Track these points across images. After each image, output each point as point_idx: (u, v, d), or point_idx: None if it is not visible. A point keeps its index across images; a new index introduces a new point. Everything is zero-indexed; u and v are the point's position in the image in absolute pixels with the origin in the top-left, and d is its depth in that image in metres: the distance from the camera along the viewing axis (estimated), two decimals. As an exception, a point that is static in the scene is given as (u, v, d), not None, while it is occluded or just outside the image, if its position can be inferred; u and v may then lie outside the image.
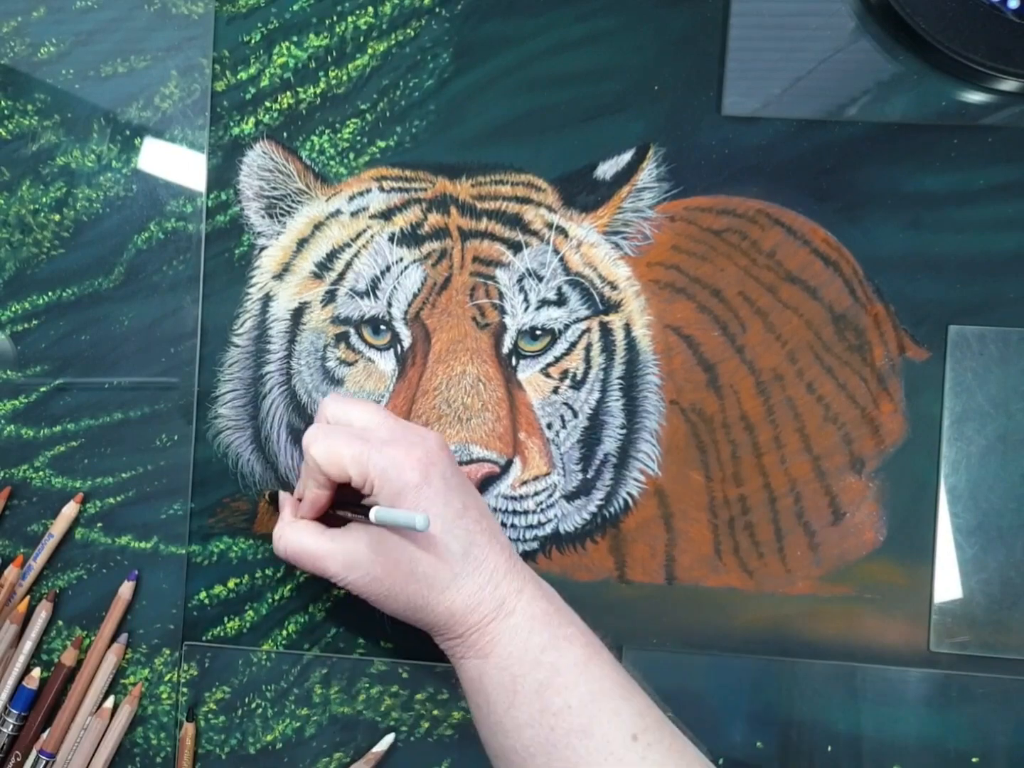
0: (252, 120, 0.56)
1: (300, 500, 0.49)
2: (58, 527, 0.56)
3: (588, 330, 0.54)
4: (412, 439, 0.45)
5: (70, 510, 0.56)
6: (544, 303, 0.54)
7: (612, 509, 0.54)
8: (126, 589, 0.56)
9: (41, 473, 0.57)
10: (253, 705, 0.55)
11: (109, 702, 0.55)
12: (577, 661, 0.43)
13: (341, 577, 0.46)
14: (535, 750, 0.43)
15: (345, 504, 0.47)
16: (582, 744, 0.42)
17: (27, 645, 0.55)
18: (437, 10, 0.56)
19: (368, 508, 0.44)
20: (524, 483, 0.54)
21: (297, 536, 0.47)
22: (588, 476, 0.54)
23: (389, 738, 0.54)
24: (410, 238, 0.55)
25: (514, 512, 0.54)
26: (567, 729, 0.42)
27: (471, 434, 0.53)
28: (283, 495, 0.51)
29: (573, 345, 0.54)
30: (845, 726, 0.52)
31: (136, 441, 0.56)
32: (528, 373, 0.54)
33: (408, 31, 0.56)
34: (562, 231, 0.54)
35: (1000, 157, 0.53)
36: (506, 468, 0.54)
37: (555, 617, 0.45)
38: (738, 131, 0.54)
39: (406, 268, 0.54)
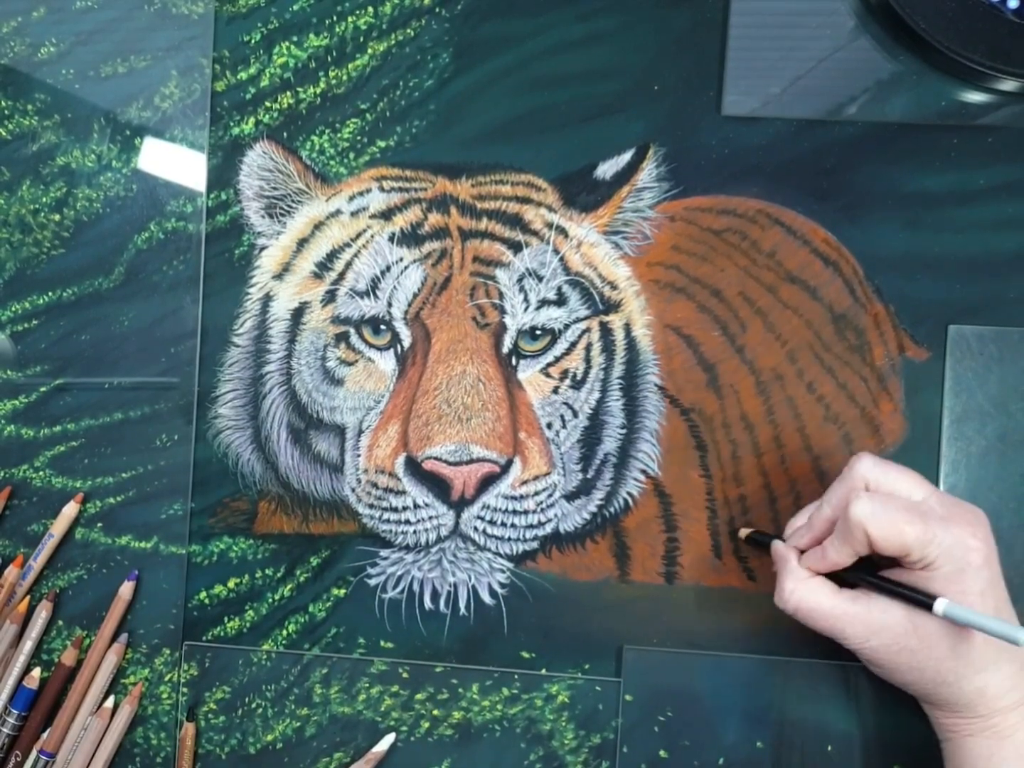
0: (252, 120, 0.56)
1: (801, 551, 0.48)
2: (58, 527, 0.56)
3: (588, 330, 0.54)
4: (968, 516, 0.44)
5: (70, 510, 0.56)
6: (544, 303, 0.54)
7: (612, 509, 0.54)
8: (126, 589, 0.56)
9: (41, 473, 0.57)
10: (253, 705, 0.55)
11: (109, 702, 0.55)
12: None
13: (860, 641, 0.45)
14: None
15: (859, 567, 0.45)
16: None
17: (27, 645, 0.55)
18: (437, 10, 0.56)
19: (872, 573, 0.44)
20: (524, 483, 0.54)
21: (813, 595, 0.46)
22: (588, 476, 0.54)
23: (389, 738, 0.54)
24: (410, 238, 0.55)
25: (514, 512, 0.54)
26: None
27: (471, 434, 0.53)
28: (781, 546, 0.48)
29: (573, 345, 0.54)
30: (845, 726, 0.52)
31: (136, 441, 0.56)
32: (528, 373, 0.54)
33: (408, 31, 0.56)
34: (562, 231, 0.54)
35: (1000, 157, 0.53)
36: (506, 468, 0.54)
37: None
38: (738, 131, 0.54)
39: (406, 268, 0.54)
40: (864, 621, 0.45)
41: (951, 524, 0.43)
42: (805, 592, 0.46)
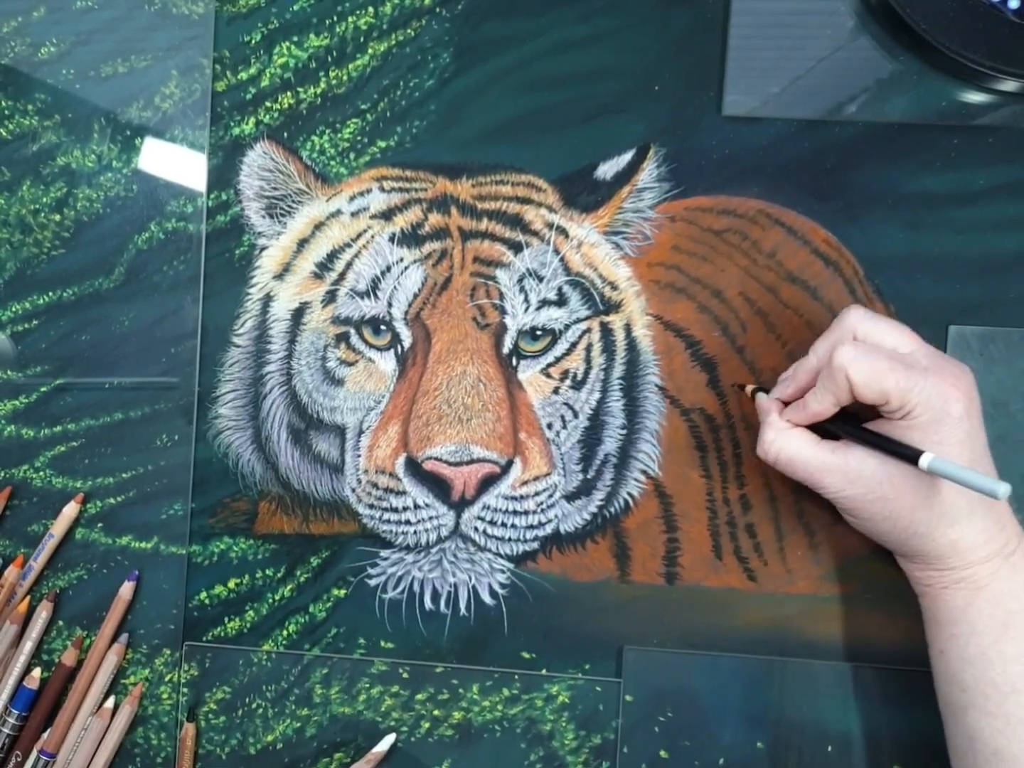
0: (252, 120, 0.56)
1: (784, 403, 0.48)
2: (58, 527, 0.56)
3: (589, 330, 0.54)
4: (953, 370, 0.44)
5: (70, 510, 0.56)
6: (544, 303, 0.54)
7: (612, 509, 0.54)
8: (126, 589, 0.56)
9: (41, 473, 0.57)
10: (253, 705, 0.55)
11: (109, 702, 0.55)
12: None
13: (837, 490, 0.46)
14: (1021, 686, 0.43)
15: (841, 419, 0.46)
16: None
17: (27, 645, 0.55)
18: (437, 10, 0.56)
19: (855, 425, 0.45)
20: (525, 483, 0.54)
21: (794, 444, 0.46)
22: (588, 476, 0.54)
23: (389, 738, 0.54)
24: (410, 238, 0.55)
25: (514, 512, 0.54)
26: None
27: (471, 434, 0.53)
28: (764, 398, 0.49)
29: (573, 345, 0.54)
30: (845, 726, 0.52)
31: (136, 441, 0.56)
32: (529, 373, 0.54)
33: (408, 31, 0.56)
34: (562, 231, 0.54)
35: (1000, 157, 0.53)
36: (506, 468, 0.54)
37: None
38: (738, 131, 0.54)
39: (406, 268, 0.54)
40: (842, 471, 0.45)
41: (932, 374, 0.43)
42: (785, 442, 0.47)
